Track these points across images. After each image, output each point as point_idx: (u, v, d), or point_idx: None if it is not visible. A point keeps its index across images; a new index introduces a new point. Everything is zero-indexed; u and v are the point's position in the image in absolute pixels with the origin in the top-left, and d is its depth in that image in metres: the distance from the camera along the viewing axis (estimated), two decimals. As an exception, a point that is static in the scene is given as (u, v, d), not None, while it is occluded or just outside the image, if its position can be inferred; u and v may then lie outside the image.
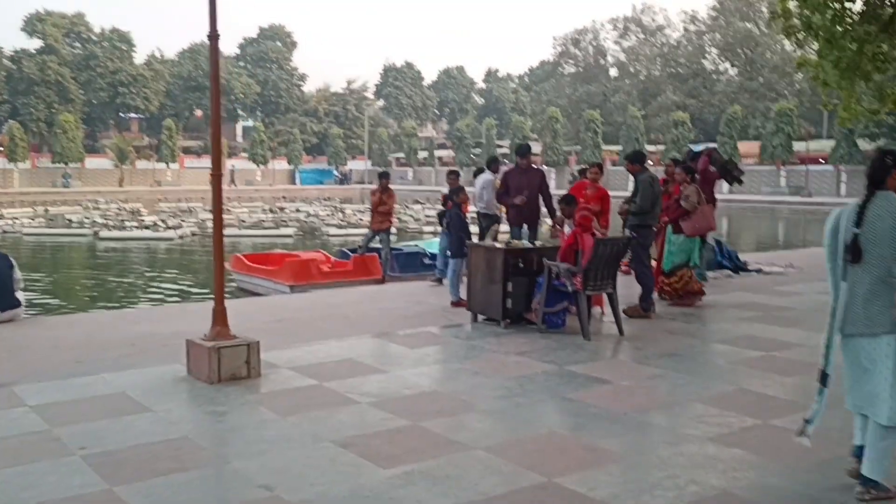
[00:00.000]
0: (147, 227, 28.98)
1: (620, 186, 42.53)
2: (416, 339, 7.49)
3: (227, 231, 26.58)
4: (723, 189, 33.75)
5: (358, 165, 77.85)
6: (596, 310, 8.43)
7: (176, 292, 15.97)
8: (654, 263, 9.54)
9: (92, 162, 65.73)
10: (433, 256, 12.67)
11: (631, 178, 9.21)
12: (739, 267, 12.36)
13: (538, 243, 8.86)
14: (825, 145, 51.45)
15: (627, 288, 8.89)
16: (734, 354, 6.89)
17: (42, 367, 6.43)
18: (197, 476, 4.18)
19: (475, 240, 9.59)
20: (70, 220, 33.99)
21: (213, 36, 5.98)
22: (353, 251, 14.48)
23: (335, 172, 75.51)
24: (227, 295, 6.39)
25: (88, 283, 18.56)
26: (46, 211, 40.11)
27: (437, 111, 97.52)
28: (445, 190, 11.80)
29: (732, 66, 71.96)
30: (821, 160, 50.60)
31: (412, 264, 14.38)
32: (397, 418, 5.07)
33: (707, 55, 73.41)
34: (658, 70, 74.09)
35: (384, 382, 5.94)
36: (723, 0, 69.50)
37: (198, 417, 5.24)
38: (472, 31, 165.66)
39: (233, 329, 6.18)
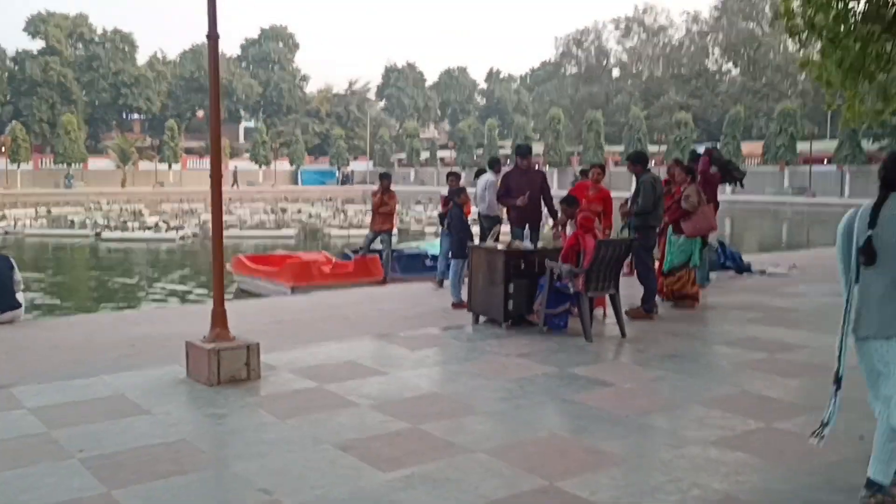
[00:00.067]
0: (149, 229, 28.96)
1: (623, 187, 42.39)
2: (416, 340, 7.46)
3: (228, 232, 26.83)
4: (726, 190, 33.65)
5: (360, 166, 77.86)
6: (598, 311, 8.39)
7: (177, 293, 15.95)
8: (657, 265, 9.49)
9: (94, 163, 65.82)
10: (435, 258, 12.63)
11: (633, 178, 9.17)
12: (742, 268, 12.32)
13: (540, 245, 8.82)
14: (829, 146, 51.37)
15: (629, 289, 8.84)
16: (737, 356, 6.85)
17: (41, 368, 6.40)
18: (195, 479, 4.15)
19: (476, 241, 9.56)
20: (72, 221, 33.98)
21: (213, 36, 5.95)
22: (355, 252, 14.45)
23: (337, 173, 75.49)
24: (228, 296, 6.37)
25: (90, 283, 18.56)
26: (49, 212, 40.11)
27: (439, 112, 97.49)
28: (446, 191, 11.76)
29: (735, 66, 71.94)
30: (824, 160, 50.52)
31: (414, 266, 14.34)
32: (397, 421, 5.03)
33: (710, 55, 73.38)
34: (660, 70, 74.09)
35: (384, 384, 5.91)
36: (725, 0, 69.43)
37: (197, 420, 5.21)
38: (474, 31, 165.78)
39: (233, 331, 6.15)
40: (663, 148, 57.26)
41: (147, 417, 5.14)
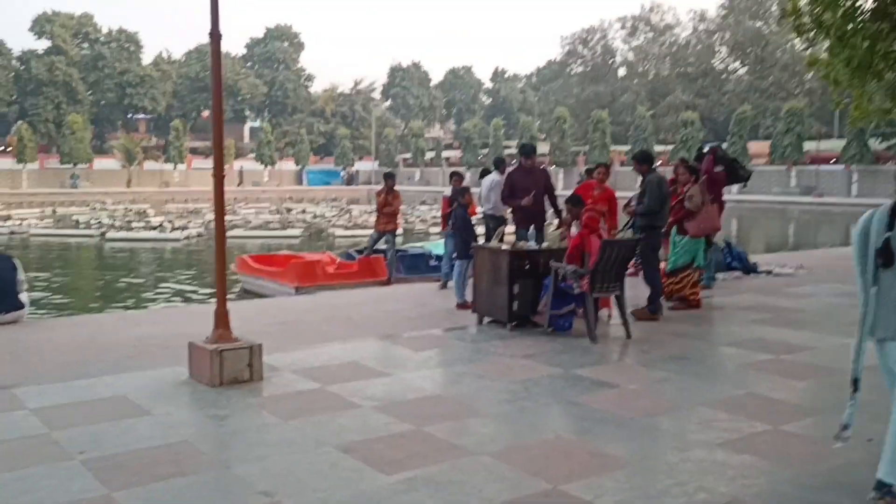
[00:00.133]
0: (154, 228, 29.03)
1: (629, 187, 42.37)
2: (420, 341, 7.42)
3: (233, 232, 26.92)
4: (732, 190, 33.55)
5: (365, 166, 77.88)
6: (603, 312, 8.34)
7: (181, 294, 15.95)
8: (662, 265, 9.43)
9: (100, 163, 65.93)
10: (439, 258, 12.59)
11: (639, 178, 9.11)
12: (749, 268, 12.25)
13: (545, 245, 8.78)
14: (836, 145, 51.19)
15: (635, 290, 8.79)
16: (743, 357, 6.79)
17: (43, 369, 6.38)
18: (196, 481, 4.12)
19: (481, 241, 9.51)
20: (77, 221, 34.11)
21: (215, 35, 5.92)
22: (360, 252, 14.42)
23: (342, 173, 75.53)
24: (232, 296, 6.35)
25: (95, 283, 18.57)
26: (54, 212, 40.29)
27: (444, 111, 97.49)
28: (448, 191, 11.72)
29: (742, 65, 71.73)
30: (832, 160, 50.34)
31: (418, 266, 14.31)
32: (400, 422, 4.99)
33: (717, 54, 73.19)
34: (667, 69, 73.92)
35: (387, 386, 5.87)
36: (732, -2, 69.32)
37: (199, 421, 5.18)
38: (480, 30, 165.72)
39: (235, 331, 6.12)
40: (669, 147, 57.11)
41: (148, 419, 5.12)
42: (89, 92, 74.97)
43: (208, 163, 68.93)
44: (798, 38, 12.78)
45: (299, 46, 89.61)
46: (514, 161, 10.68)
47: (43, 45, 75.11)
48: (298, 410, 5.27)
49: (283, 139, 77.30)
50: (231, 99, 79.04)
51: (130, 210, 40.39)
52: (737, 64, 72.95)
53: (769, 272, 12.25)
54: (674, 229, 9.24)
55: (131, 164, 64.37)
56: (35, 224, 31.73)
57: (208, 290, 15.47)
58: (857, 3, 10.56)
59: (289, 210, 41.58)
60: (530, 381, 6.00)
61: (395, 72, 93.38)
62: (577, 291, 7.46)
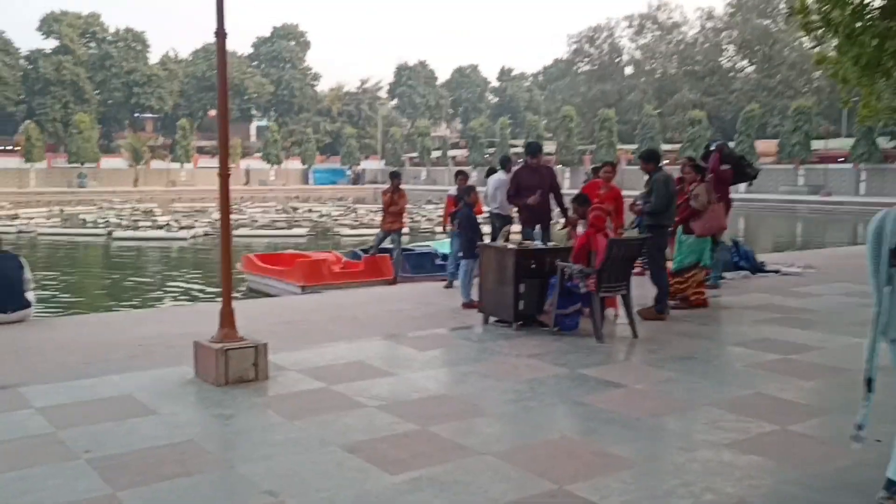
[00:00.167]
0: (160, 228, 29.11)
1: (636, 186, 42.25)
2: (425, 341, 7.41)
3: (239, 231, 26.95)
4: (739, 188, 33.42)
5: (371, 165, 77.91)
6: (609, 311, 8.31)
7: (187, 293, 15.97)
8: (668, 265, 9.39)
9: (107, 162, 66.10)
10: (445, 257, 12.58)
11: (645, 177, 9.07)
12: (756, 268, 12.20)
13: (551, 244, 8.74)
14: (844, 143, 50.93)
15: (641, 289, 8.76)
16: (751, 357, 6.76)
17: (49, 368, 6.39)
18: (201, 481, 4.11)
19: (487, 240, 9.48)
20: (84, 220, 34.20)
21: (221, 33, 5.92)
22: (365, 252, 14.41)
23: (348, 172, 75.59)
24: (238, 295, 6.34)
25: (102, 282, 18.62)
26: (62, 211, 40.40)
27: (450, 110, 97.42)
28: (453, 190, 11.69)
29: (750, 63, 71.46)
30: (840, 159, 50.11)
31: (424, 265, 14.30)
32: (405, 422, 4.98)
33: (724, 52, 72.93)
34: (674, 68, 73.66)
35: (393, 385, 5.86)
36: (739, -4, 69.05)
37: (204, 420, 5.17)
38: (486, 29, 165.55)
39: (241, 330, 6.11)
40: (677, 146, 56.94)
41: (154, 418, 5.11)
42: (96, 91, 75.17)
43: (215, 162, 68.54)
44: (806, 36, 12.74)
45: (306, 45, 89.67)
46: (521, 160, 10.63)
47: (50, 44, 75.38)
48: (303, 410, 5.25)
49: (289, 138, 77.36)
50: (237, 98, 79.15)
51: (137, 209, 40.48)
52: (744, 62, 72.65)
53: (777, 271, 12.19)
54: (679, 229, 9.20)
55: (138, 164, 64.50)
56: (42, 223, 31.83)
57: (215, 289, 15.48)
58: (866, 1, 10.50)
59: (295, 209, 41.62)
60: (536, 380, 5.98)
61: (401, 71, 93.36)
62: (584, 291, 7.44)
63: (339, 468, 4.24)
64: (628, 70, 78.22)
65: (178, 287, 16.72)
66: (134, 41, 78.15)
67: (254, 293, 13.99)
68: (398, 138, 78.26)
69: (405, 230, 15.64)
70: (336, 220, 35.17)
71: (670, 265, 9.19)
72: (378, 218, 15.43)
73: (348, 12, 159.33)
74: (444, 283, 11.04)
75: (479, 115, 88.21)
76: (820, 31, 11.61)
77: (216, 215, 32.89)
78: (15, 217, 34.68)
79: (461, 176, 11.23)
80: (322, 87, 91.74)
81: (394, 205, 12.94)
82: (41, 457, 4.41)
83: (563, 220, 10.38)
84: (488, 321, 8.17)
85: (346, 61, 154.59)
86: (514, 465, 4.27)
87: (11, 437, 4.75)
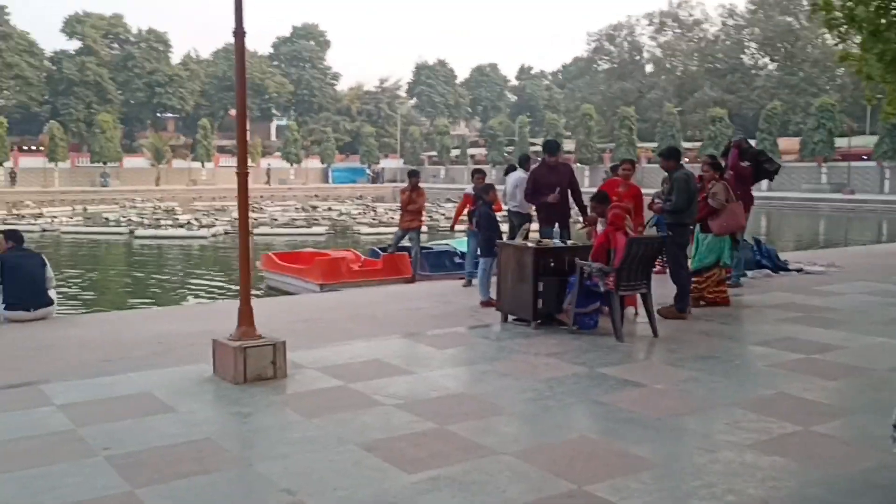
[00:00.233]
0: (181, 226, 29.32)
1: (656, 184, 42.02)
2: (444, 339, 7.38)
3: (259, 230, 27.07)
4: (761, 186, 33.10)
5: (390, 164, 78.04)
6: (629, 310, 8.24)
7: (208, 290, 16.06)
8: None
9: (130, 161, 66.72)
10: (464, 255, 12.55)
11: (663, 175, 8.98)
12: (779, 266, 12.05)
13: (570, 242, 8.69)
14: (868, 141, 50.35)
15: (662, 288, 8.68)
16: (773, 357, 6.67)
17: (70, 365, 6.44)
18: (219, 479, 4.11)
19: (505, 238, 9.44)
20: (107, 219, 34.53)
21: (239, 32, 5.92)
22: (384, 250, 14.42)
23: (367, 171, 75.76)
24: (258, 293, 6.35)
25: (124, 280, 18.77)
26: (85, 210, 40.85)
27: (469, 109, 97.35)
28: (469, 189, 11.65)
29: (772, 60, 70.85)
30: (863, 157, 49.53)
31: (442, 263, 14.28)
32: (423, 421, 4.96)
33: (746, 50, 72.34)
34: (695, 65, 73.20)
35: (411, 384, 5.84)
36: (762, -7, 68.44)
37: (222, 418, 5.18)
38: (505, 28, 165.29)
39: (259, 328, 6.11)
40: (698, 144, 56.54)
41: (173, 416, 5.13)
42: (119, 91, 75.84)
43: (235, 161, 68.96)
44: (829, 33, 12.59)
45: (326, 45, 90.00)
46: (539, 158, 10.56)
47: (74, 45, 76.18)
48: (321, 408, 5.25)
49: (309, 137, 77.66)
50: (258, 98, 79.57)
51: (159, 208, 40.80)
52: (766, 60, 72.05)
53: (800, 270, 12.05)
54: (697, 227, 9.10)
55: (160, 163, 65.05)
56: (65, 222, 32.16)
57: (235, 287, 15.54)
58: (891, -3, 10.37)
59: (314, 208, 41.77)
60: (555, 379, 5.94)
61: (420, 69, 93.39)
62: (603, 289, 7.38)
63: (357, 467, 4.22)
64: (649, 68, 77.82)
65: (198, 285, 16.83)
66: (156, 42, 78.79)
67: (273, 291, 14.05)
68: (417, 137, 78.32)
69: (423, 229, 15.63)
70: (355, 218, 35.26)
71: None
72: (397, 216, 15.42)
73: (368, 12, 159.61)
74: (463, 281, 11.01)
75: (498, 113, 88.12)
76: (843, 28, 11.48)
77: (236, 214, 33.09)
78: (39, 216, 35.10)
79: (478, 174, 11.19)
80: (342, 86, 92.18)
81: (412, 203, 12.93)
82: (61, 454, 4.44)
83: (582, 219, 10.30)
84: (507, 320, 8.13)
85: (365, 60, 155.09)
86: (533, 464, 4.23)
87: (32, 434, 4.77)
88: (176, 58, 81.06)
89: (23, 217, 34.26)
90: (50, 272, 8.54)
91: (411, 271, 13.16)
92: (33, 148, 66.21)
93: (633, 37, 78.07)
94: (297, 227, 30.80)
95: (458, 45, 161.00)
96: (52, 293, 8.53)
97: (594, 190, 9.38)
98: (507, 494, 3.85)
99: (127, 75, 75.95)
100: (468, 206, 11.76)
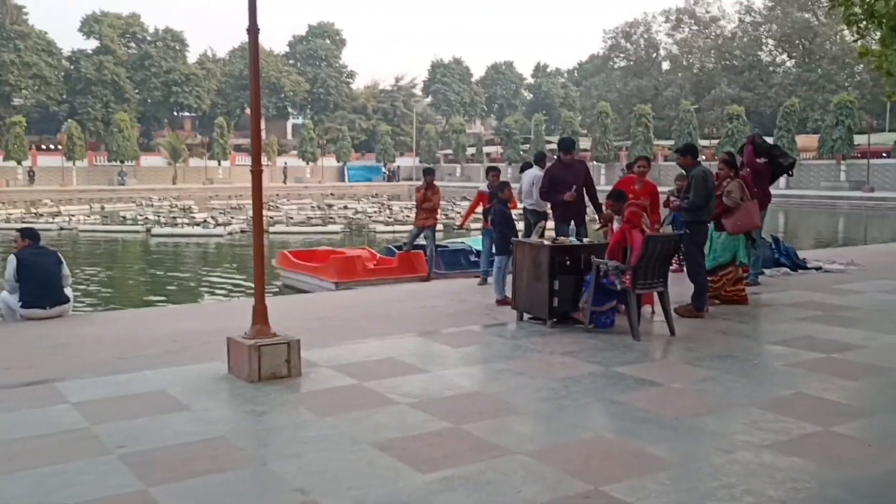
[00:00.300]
0: (198, 224, 29.44)
1: (673, 182, 41.74)
2: (459, 338, 7.35)
3: (275, 228, 27.13)
4: (779, 184, 32.83)
5: (406, 162, 78.11)
6: (646, 309, 8.18)
7: (224, 288, 16.11)
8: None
9: (147, 160, 67.13)
10: (479, 253, 12.51)
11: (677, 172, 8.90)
12: (798, 264, 11.93)
13: (586, 240, 8.62)
14: (888, 138, 49.85)
15: (678, 286, 8.60)
16: (792, 356, 6.59)
17: (85, 363, 6.46)
18: (232, 478, 4.10)
19: (520, 237, 9.39)
20: (124, 217, 34.75)
21: (253, 29, 5.91)
22: (399, 248, 14.41)
23: (383, 169, 75.85)
24: (274, 289, 6.33)
25: (140, 278, 18.87)
26: (102, 208, 41.11)
27: (485, 107, 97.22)
28: (483, 187, 11.61)
29: (790, 57, 70.27)
30: (883, 154, 49.02)
31: (458, 261, 14.23)
32: (438, 420, 4.93)
33: (763, 47, 71.78)
34: (712, 62, 72.70)
35: (425, 382, 5.81)
36: (779, -11, 67.87)
37: (236, 417, 5.17)
38: (521, 26, 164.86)
39: (274, 327, 6.11)
40: (714, 142, 56.18)
41: (187, 414, 5.12)
42: (136, 90, 76.33)
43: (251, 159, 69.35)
44: (848, 29, 12.44)
45: (341, 43, 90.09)
46: (554, 156, 10.50)
47: (91, 44, 76.75)
48: (335, 407, 5.22)
49: (324, 136, 77.84)
50: (274, 96, 79.84)
51: (175, 206, 41.01)
52: (784, 56, 71.46)
53: (819, 268, 11.92)
54: (712, 226, 9.00)
55: (177, 162, 65.40)
56: (83, 220, 32.39)
57: (251, 285, 15.59)
58: (912, -9, 10.23)
59: (330, 206, 41.85)
60: (570, 378, 5.89)
61: (436, 68, 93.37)
62: (620, 288, 7.32)
63: (371, 466, 4.20)
64: (665, 65, 77.42)
65: (214, 283, 16.88)
66: (173, 41, 79.20)
67: (288, 289, 14.06)
68: (433, 135, 78.32)
69: (439, 227, 15.59)
70: (370, 217, 35.29)
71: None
72: (412, 215, 15.41)
73: (383, 10, 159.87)
74: (478, 279, 10.97)
75: (513, 111, 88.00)
76: (863, 24, 11.35)
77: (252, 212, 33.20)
78: (57, 214, 35.38)
79: (493, 172, 11.14)
80: (357, 84, 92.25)
81: (427, 201, 12.89)
82: (75, 452, 4.44)
83: (598, 217, 10.23)
84: (522, 318, 8.09)
85: (381, 59, 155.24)
86: (548, 464, 4.19)
87: (47, 431, 4.79)
88: (192, 57, 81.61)
89: (41, 216, 34.55)
90: (66, 270, 8.58)
91: (426, 269, 13.13)
92: (51, 147, 66.75)
93: (650, 34, 77.65)
94: (313, 225, 30.85)
95: (474, 43, 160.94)
96: (67, 291, 8.57)
97: (610, 188, 9.30)
98: (522, 494, 3.82)
99: (144, 74, 76.43)
100: (481, 203, 11.72)
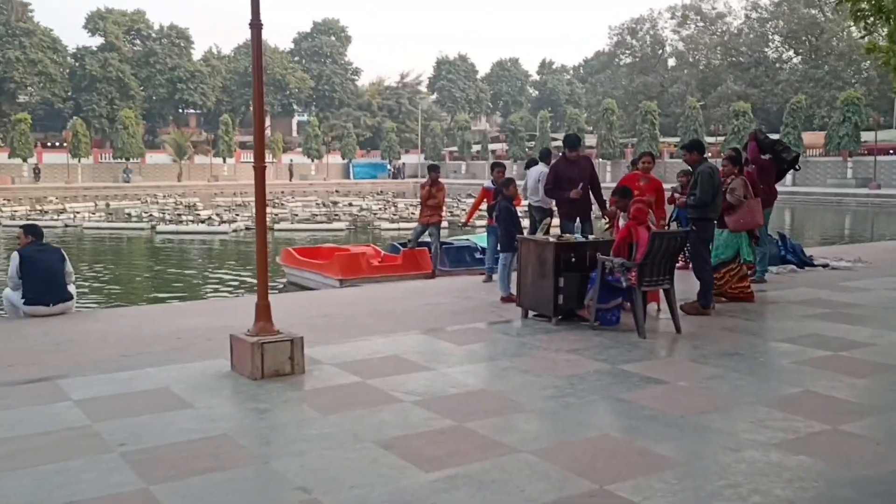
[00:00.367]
0: (202, 222, 29.44)
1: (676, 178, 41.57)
2: (463, 335, 7.31)
3: (280, 225, 27.10)
4: (786, 181, 32.70)
5: (411, 159, 78.03)
6: (651, 306, 8.13)
7: (228, 285, 16.10)
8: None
9: (152, 157, 67.16)
10: (484, 251, 12.47)
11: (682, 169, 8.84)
12: (805, 262, 11.87)
13: (591, 237, 8.58)
14: (895, 135, 49.58)
15: (684, 283, 8.55)
16: (799, 354, 6.54)
17: (88, 360, 6.43)
18: (234, 476, 4.07)
19: (525, 233, 9.34)
20: (129, 214, 34.79)
21: (256, 24, 5.88)
22: (404, 245, 14.37)
23: (388, 166, 75.81)
24: (279, 285, 6.29)
25: (145, 275, 18.87)
26: (107, 205, 41.18)
27: (490, 104, 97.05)
28: (488, 183, 11.55)
29: (796, 53, 70.00)
30: (890, 150, 48.80)
31: (462, 259, 14.19)
32: (442, 418, 4.89)
33: (770, 43, 71.52)
34: (718, 59, 72.51)
35: (429, 380, 5.77)
36: (786, -14, 67.62)
37: (239, 414, 5.14)
38: (526, 22, 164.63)
39: (278, 324, 6.08)
40: (720, 139, 56.01)
41: (190, 411, 5.10)
42: (141, 87, 76.39)
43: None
44: (855, 25, 12.36)
45: (346, 40, 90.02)
46: (560, 153, 10.45)
47: (96, 41, 76.70)
48: (339, 405, 5.19)
49: (329, 133, 77.80)
50: (279, 93, 79.82)
51: (180, 203, 41.04)
52: (790, 53, 71.21)
53: (826, 265, 11.86)
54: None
55: (182, 159, 65.43)
56: (88, 217, 32.43)
57: (255, 282, 15.58)
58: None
59: (335, 203, 41.84)
60: (576, 376, 5.85)
61: (441, 65, 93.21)
62: (625, 285, 7.27)
63: (374, 465, 4.16)
64: (671, 62, 77.21)
65: (218, 280, 16.87)
66: (178, 38, 79.18)
67: (293, 286, 14.04)
68: (438, 132, 78.22)
69: (444, 224, 15.54)
70: (375, 214, 35.27)
71: None
72: (417, 212, 15.35)
73: (388, 7, 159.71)
74: (483, 276, 10.93)
75: (519, 108, 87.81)
76: (870, 19, 11.27)
77: (257, 209, 33.15)
78: (62, 211, 35.42)
79: (498, 169, 11.09)
80: (362, 81, 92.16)
81: (432, 198, 12.84)
82: (77, 450, 4.42)
83: (602, 214, 10.18)
84: (527, 315, 8.05)
85: (386, 56, 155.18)
86: (553, 463, 4.16)
87: (49, 429, 4.76)
88: (197, 54, 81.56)
89: (46, 212, 34.60)
90: (69, 267, 8.56)
91: (431, 267, 13.09)
92: (56, 144, 66.81)
93: (656, 30, 77.49)
94: (318, 222, 30.83)
95: (480, 39, 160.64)
96: (71, 288, 8.55)
97: (615, 185, 9.25)
98: (527, 493, 3.78)
99: (149, 71, 76.48)
100: (486, 200, 11.66)
